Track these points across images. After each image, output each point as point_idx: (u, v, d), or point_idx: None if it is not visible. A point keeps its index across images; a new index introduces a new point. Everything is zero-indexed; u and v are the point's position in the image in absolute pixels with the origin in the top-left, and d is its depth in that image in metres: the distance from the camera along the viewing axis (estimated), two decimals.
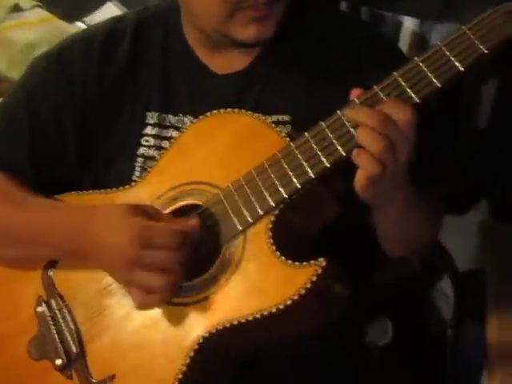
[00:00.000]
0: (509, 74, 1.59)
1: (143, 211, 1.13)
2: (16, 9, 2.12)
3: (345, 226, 1.19)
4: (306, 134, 1.11)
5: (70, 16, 2.18)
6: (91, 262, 1.17)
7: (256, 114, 1.16)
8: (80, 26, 2.16)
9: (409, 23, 1.59)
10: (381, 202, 1.15)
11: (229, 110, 1.18)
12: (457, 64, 1.06)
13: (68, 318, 1.20)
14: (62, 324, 1.20)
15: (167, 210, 1.17)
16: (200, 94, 1.27)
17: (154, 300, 1.11)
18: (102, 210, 1.16)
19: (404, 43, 1.59)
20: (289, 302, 1.05)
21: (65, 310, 1.21)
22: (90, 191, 1.26)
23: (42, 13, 2.11)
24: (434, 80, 1.06)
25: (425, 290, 1.64)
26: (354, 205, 1.15)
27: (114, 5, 2.23)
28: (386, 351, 1.48)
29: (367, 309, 1.38)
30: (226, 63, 1.26)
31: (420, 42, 1.59)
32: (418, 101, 1.07)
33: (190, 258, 1.10)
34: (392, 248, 1.28)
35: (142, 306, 1.12)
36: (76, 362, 1.18)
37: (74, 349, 1.18)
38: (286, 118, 1.23)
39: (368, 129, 1.05)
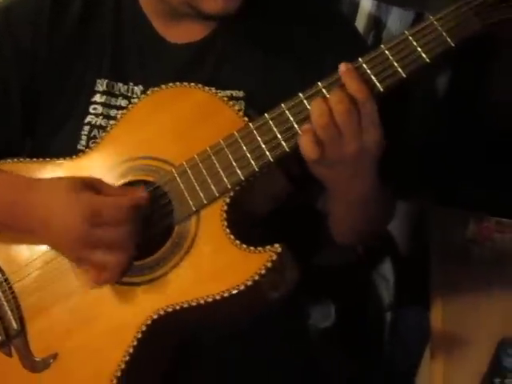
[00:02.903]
0: (463, 65, 1.59)
1: (91, 185, 1.09)
2: None
3: (294, 208, 1.18)
4: (265, 115, 1.08)
5: None
6: (34, 237, 1.13)
7: (213, 90, 1.13)
8: None
9: (366, 4, 1.57)
10: (337, 183, 1.14)
11: (185, 83, 1.14)
12: (423, 55, 1.04)
13: (8, 292, 1.16)
14: (2, 299, 1.16)
15: (119, 183, 1.13)
16: (152, 62, 1.23)
17: (107, 277, 1.08)
18: (46, 184, 1.12)
19: (360, 24, 1.58)
20: (242, 288, 1.03)
21: (4, 285, 1.16)
22: (34, 159, 1.20)
23: None
24: (400, 70, 1.05)
25: (367, 273, 1.65)
26: (306, 185, 1.14)
27: None
28: (327, 334, 1.48)
29: (310, 291, 1.37)
30: (182, 33, 1.22)
31: (376, 24, 1.58)
32: (381, 90, 1.05)
33: (140, 232, 1.08)
34: (342, 236, 1.27)
35: (96, 283, 1.09)
36: (16, 338, 1.14)
37: (14, 325, 1.14)
38: (240, 93, 1.20)
39: (326, 113, 1.03)
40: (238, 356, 1.23)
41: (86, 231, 1.05)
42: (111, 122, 1.20)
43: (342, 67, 1.05)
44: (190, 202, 1.09)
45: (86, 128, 1.22)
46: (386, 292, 1.64)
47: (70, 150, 1.20)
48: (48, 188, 1.11)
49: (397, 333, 1.62)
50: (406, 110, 1.53)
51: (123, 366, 1.06)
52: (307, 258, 1.36)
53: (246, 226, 1.11)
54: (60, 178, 1.13)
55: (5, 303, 1.15)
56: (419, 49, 1.04)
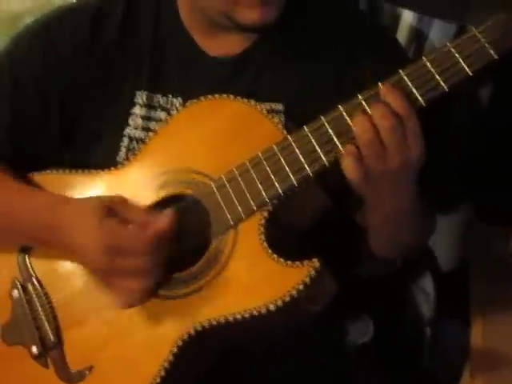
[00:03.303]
0: (504, 80, 1.56)
1: (116, 211, 1.09)
2: None
3: (332, 221, 1.17)
4: (305, 127, 1.07)
5: None
6: (64, 255, 1.14)
7: (252, 102, 1.12)
8: None
9: (407, 16, 1.55)
10: (378, 199, 1.12)
11: (224, 95, 1.13)
12: (466, 68, 1.02)
13: (45, 304, 1.16)
14: (39, 310, 1.16)
15: (158, 196, 1.13)
16: (192, 75, 1.22)
17: (132, 301, 1.09)
18: (72, 207, 1.13)
19: (401, 37, 1.55)
20: (279, 303, 1.02)
21: (42, 295, 1.16)
22: (73, 171, 1.21)
23: None
24: (442, 83, 1.03)
25: (406, 287, 1.63)
26: (345, 199, 1.13)
27: None
28: (364, 349, 1.46)
29: (349, 305, 1.36)
30: (221, 46, 1.22)
31: (418, 36, 1.56)
32: (424, 104, 1.04)
33: (165, 257, 1.07)
34: (381, 249, 1.26)
35: (121, 305, 1.10)
36: (52, 350, 1.14)
37: (50, 336, 1.14)
38: (280, 106, 1.19)
39: (370, 129, 1.02)
40: (276, 367, 1.22)
41: (106, 261, 1.07)
42: (150, 134, 1.19)
43: (383, 86, 1.04)
44: (228, 216, 1.08)
45: (125, 140, 1.22)
46: (425, 306, 1.61)
47: (109, 162, 1.20)
48: (73, 211, 1.12)
49: (437, 348, 1.60)
50: (447, 123, 1.51)
51: (158, 380, 1.06)
52: (346, 270, 1.35)
53: (284, 240, 1.09)
54: (87, 200, 1.14)
55: (42, 316, 1.16)
56: (462, 61, 1.03)
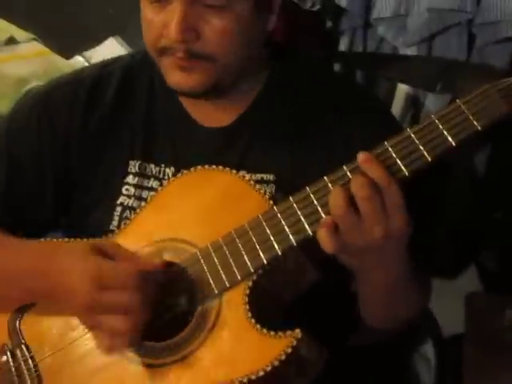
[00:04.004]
0: (501, 141, 1.57)
1: (101, 249, 1.09)
2: (11, 41, 2.10)
3: (323, 290, 1.16)
4: (290, 198, 1.08)
5: (70, 50, 2.16)
6: (56, 305, 1.14)
7: (240, 174, 1.14)
8: (78, 60, 2.14)
9: (403, 86, 1.57)
10: (362, 269, 1.12)
11: (213, 166, 1.15)
12: (449, 139, 1.03)
13: (33, 370, 1.16)
14: (27, 376, 1.16)
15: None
16: (184, 145, 1.24)
17: (119, 343, 1.08)
18: (64, 250, 1.13)
19: (398, 104, 1.58)
20: (261, 373, 1.02)
21: (30, 362, 1.17)
22: (66, 240, 1.22)
23: (37, 46, 2.09)
24: (425, 154, 1.04)
25: (406, 353, 1.61)
26: (334, 268, 1.12)
27: (115, 40, 2.21)
28: None
29: (342, 374, 1.34)
30: (212, 116, 1.24)
31: (414, 104, 1.58)
32: (407, 174, 1.04)
33: (152, 297, 1.07)
34: (371, 320, 1.25)
35: (108, 349, 1.08)
36: None
37: None
38: (271, 176, 1.20)
39: (344, 201, 1.02)
40: None
41: (93, 296, 1.05)
42: (142, 203, 1.21)
43: (360, 157, 1.04)
44: (213, 285, 1.09)
45: (119, 209, 1.24)
46: (426, 374, 1.59)
47: (102, 230, 1.21)
48: (62, 255, 1.12)
49: None
50: (441, 189, 1.51)
51: None
52: (341, 339, 1.34)
53: (269, 310, 1.09)
54: (75, 244, 1.15)
55: (28, 381, 1.16)
56: (445, 132, 1.03)
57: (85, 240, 1.16)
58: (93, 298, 1.06)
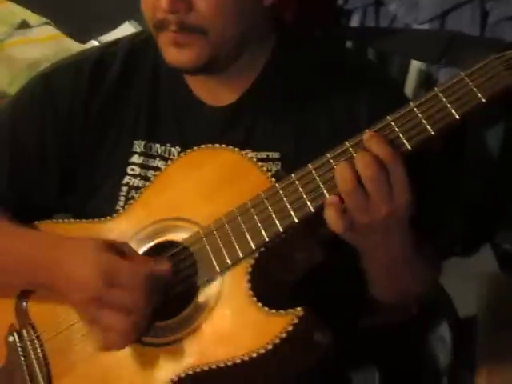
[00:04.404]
0: None
1: (116, 249, 1.09)
2: (24, 25, 2.10)
3: (330, 270, 1.15)
4: (292, 175, 1.07)
5: (85, 34, 2.16)
6: (59, 295, 1.13)
7: (243, 152, 1.13)
8: (93, 44, 2.14)
9: (416, 62, 1.55)
10: (368, 247, 1.11)
11: (216, 145, 1.14)
12: (453, 112, 1.01)
13: (39, 350, 1.17)
14: (33, 356, 1.17)
15: (147, 245, 1.14)
16: (189, 124, 1.24)
17: (114, 341, 1.07)
18: (72, 242, 1.14)
19: (411, 81, 1.56)
20: (262, 351, 1.01)
21: (36, 342, 1.17)
22: (71, 220, 1.23)
23: (50, 30, 2.09)
24: (429, 127, 1.02)
25: (421, 335, 1.59)
26: (341, 247, 1.11)
27: (131, 24, 2.20)
28: None
29: (352, 355, 1.33)
30: (216, 95, 1.23)
31: (427, 80, 1.56)
32: (409, 148, 1.02)
33: (157, 301, 1.07)
34: (380, 295, 1.23)
35: (104, 346, 1.08)
36: None
37: (41, 382, 1.15)
38: (276, 154, 1.19)
39: (351, 179, 1.01)
40: None
41: (100, 289, 1.05)
42: (148, 183, 1.20)
43: (366, 135, 1.03)
44: (215, 263, 1.08)
45: (124, 189, 1.24)
46: (442, 355, 1.58)
47: (108, 211, 1.21)
48: (73, 246, 1.12)
49: None
50: (456, 170, 1.50)
51: None
52: (352, 320, 1.32)
53: (272, 289, 1.08)
54: (87, 238, 1.14)
55: (35, 362, 1.16)
56: (449, 105, 1.01)
57: (98, 239, 1.14)
58: (99, 292, 1.06)
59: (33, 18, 2.10)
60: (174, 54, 1.15)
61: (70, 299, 1.12)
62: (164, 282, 1.07)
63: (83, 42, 2.08)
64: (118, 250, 1.09)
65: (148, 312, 1.06)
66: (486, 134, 1.56)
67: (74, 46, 2.05)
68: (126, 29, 2.16)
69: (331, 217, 1.02)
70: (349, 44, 1.61)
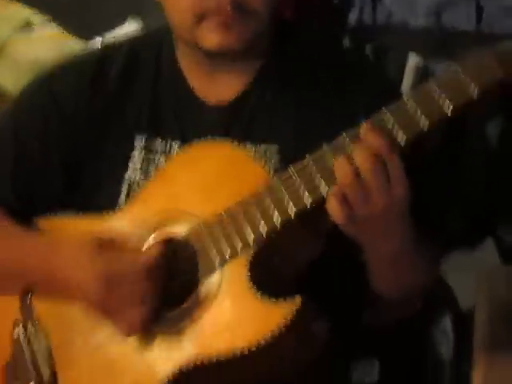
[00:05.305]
0: None
1: (107, 245, 1.12)
2: (27, 24, 2.11)
3: (331, 263, 1.16)
4: (291, 168, 1.09)
5: (88, 32, 2.17)
6: (65, 298, 1.17)
7: (242, 146, 1.15)
8: (97, 42, 2.15)
9: (414, 57, 1.56)
10: (369, 240, 1.12)
11: (216, 139, 1.17)
12: (446, 104, 1.03)
13: (43, 342, 1.19)
14: (37, 349, 1.19)
15: (147, 239, 1.15)
16: (189, 121, 1.26)
17: (133, 330, 1.11)
18: (67, 248, 1.16)
19: (409, 77, 1.56)
20: (262, 342, 1.03)
21: (41, 335, 1.19)
22: (73, 216, 1.25)
23: (53, 29, 2.10)
24: (423, 120, 1.04)
25: (423, 328, 1.60)
26: (341, 241, 1.13)
27: (134, 21, 2.21)
28: None
29: (353, 346, 1.35)
30: (217, 91, 1.25)
31: (425, 76, 1.57)
32: (405, 141, 1.04)
33: (160, 284, 1.10)
34: (382, 289, 1.25)
35: (126, 335, 1.12)
36: None
37: (46, 375, 1.17)
38: (275, 148, 1.21)
39: (351, 172, 1.03)
40: None
41: (103, 297, 1.10)
42: (148, 178, 1.22)
43: (363, 128, 1.05)
44: (215, 256, 1.10)
45: (126, 184, 1.25)
46: (444, 347, 1.59)
47: (110, 206, 1.23)
48: (69, 251, 1.15)
49: None
50: (456, 163, 1.51)
51: None
52: (354, 314, 1.34)
53: (271, 282, 1.10)
54: (82, 242, 1.16)
55: (40, 355, 1.19)
56: (442, 98, 1.03)
57: (88, 235, 1.17)
58: (103, 299, 1.10)
59: (36, 17, 2.11)
60: (221, 36, 1.17)
61: (74, 300, 1.15)
62: (162, 264, 1.10)
63: (87, 39, 2.09)
64: (110, 245, 1.12)
65: (155, 296, 1.09)
66: (486, 125, 1.57)
67: (77, 45, 2.06)
68: (130, 26, 2.17)
69: (333, 207, 1.04)
70: (346, 41, 1.63)
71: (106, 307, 1.11)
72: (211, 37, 1.17)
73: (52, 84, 1.30)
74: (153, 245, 1.12)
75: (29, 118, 1.30)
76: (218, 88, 1.25)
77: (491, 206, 1.71)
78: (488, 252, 1.83)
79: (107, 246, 1.12)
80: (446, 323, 1.58)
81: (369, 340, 1.42)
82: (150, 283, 1.09)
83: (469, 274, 1.70)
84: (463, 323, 1.57)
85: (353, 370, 1.39)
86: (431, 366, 1.58)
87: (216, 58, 1.22)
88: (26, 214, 1.26)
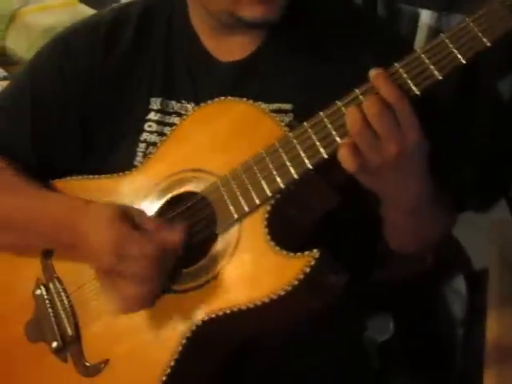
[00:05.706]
0: None
1: (130, 216, 1.13)
2: None
3: (347, 217, 1.17)
4: (304, 123, 1.10)
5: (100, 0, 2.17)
6: (79, 256, 1.18)
7: (255, 103, 1.16)
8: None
9: (426, 17, 1.57)
10: (385, 191, 1.14)
11: (229, 97, 1.17)
12: (459, 56, 1.04)
13: (65, 301, 1.21)
14: (60, 307, 1.21)
15: (165, 197, 1.17)
16: (202, 80, 1.27)
17: (128, 307, 1.13)
18: (92, 207, 1.17)
19: (421, 36, 1.57)
20: (282, 293, 1.04)
21: (62, 294, 1.22)
22: (90, 176, 1.26)
23: None
24: (436, 72, 1.04)
25: (436, 287, 1.62)
26: (357, 195, 1.14)
27: None
28: (386, 348, 1.46)
29: (367, 303, 1.36)
30: (230, 50, 1.26)
31: (438, 32, 1.57)
32: (417, 93, 1.05)
33: (169, 269, 1.11)
34: (400, 244, 1.26)
35: (120, 312, 1.13)
36: (71, 344, 1.19)
37: (69, 332, 1.19)
38: (288, 106, 1.22)
39: (360, 119, 1.04)
40: (291, 365, 1.24)
41: (111, 262, 1.10)
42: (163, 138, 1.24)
43: (373, 73, 1.06)
44: (233, 211, 1.11)
45: (142, 145, 1.27)
46: (457, 306, 1.60)
47: (126, 167, 1.25)
48: (93, 212, 1.16)
49: (470, 348, 1.58)
50: (464, 114, 1.51)
51: (169, 371, 1.09)
52: (368, 269, 1.35)
53: (289, 234, 1.11)
54: (104, 205, 1.17)
55: (61, 311, 1.21)
56: (455, 50, 1.04)
57: (112, 204, 1.18)
58: (111, 264, 1.11)
59: None
60: (261, 10, 1.17)
61: (88, 262, 1.17)
62: (175, 250, 1.11)
63: (97, 8, 2.10)
64: (133, 218, 1.13)
65: (160, 278, 1.11)
66: (498, 80, 1.57)
67: (88, 12, 2.06)
68: None
69: (344, 156, 1.05)
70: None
71: (109, 279, 1.12)
72: (255, 9, 1.17)
73: (67, 42, 1.31)
74: (175, 228, 1.12)
75: (46, 78, 1.31)
76: (231, 46, 1.26)
77: (504, 163, 1.72)
78: (501, 213, 1.84)
79: (129, 216, 1.13)
80: (460, 283, 1.60)
81: (382, 295, 1.44)
82: (157, 266, 1.09)
83: (482, 235, 1.71)
84: (476, 283, 1.58)
85: (367, 326, 1.41)
86: (444, 325, 1.60)
87: (253, 28, 1.22)
88: (45, 175, 1.28)
